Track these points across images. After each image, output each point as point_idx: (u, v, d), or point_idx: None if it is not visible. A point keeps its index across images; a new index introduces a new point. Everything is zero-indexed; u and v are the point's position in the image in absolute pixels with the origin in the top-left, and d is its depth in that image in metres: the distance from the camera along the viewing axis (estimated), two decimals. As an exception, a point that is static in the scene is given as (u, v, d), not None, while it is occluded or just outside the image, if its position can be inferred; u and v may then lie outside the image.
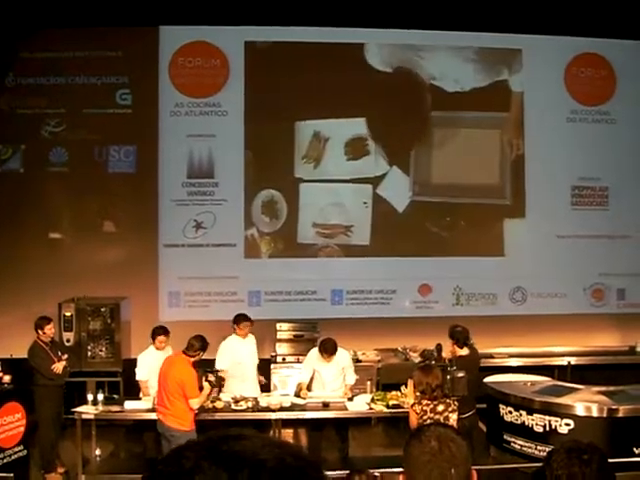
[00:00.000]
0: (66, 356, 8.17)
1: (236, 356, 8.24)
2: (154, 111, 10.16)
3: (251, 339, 8.43)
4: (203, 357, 7.57)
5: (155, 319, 9.69)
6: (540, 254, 10.52)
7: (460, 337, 7.70)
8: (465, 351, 7.63)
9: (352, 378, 8.23)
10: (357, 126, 10.42)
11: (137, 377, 8.22)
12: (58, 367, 7.95)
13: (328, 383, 8.17)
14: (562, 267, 10.64)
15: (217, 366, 8.02)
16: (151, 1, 9.85)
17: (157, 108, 10.16)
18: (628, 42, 10.75)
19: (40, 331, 7.97)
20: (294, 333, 9.64)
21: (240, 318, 8.36)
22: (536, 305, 10.52)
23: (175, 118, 10.13)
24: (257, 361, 8.53)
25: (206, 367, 7.83)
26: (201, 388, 7.23)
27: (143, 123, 10.16)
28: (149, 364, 8.06)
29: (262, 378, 8.65)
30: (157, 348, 8.06)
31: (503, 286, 10.57)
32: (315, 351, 8.23)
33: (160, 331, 8.13)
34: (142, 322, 9.38)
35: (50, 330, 8.11)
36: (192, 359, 7.19)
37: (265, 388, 8.75)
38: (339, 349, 8.09)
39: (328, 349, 7.96)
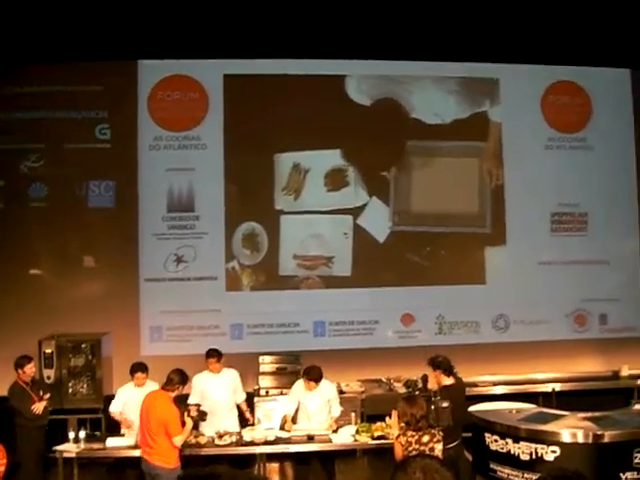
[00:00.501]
0: (47, 396, 8.05)
1: (205, 392, 8.10)
2: (133, 145, 10.16)
3: (227, 375, 8.28)
4: (185, 391, 7.53)
5: (137, 354, 9.62)
6: (522, 281, 10.59)
7: (446, 366, 7.66)
8: (451, 380, 7.59)
9: (337, 410, 8.14)
10: (336, 157, 10.47)
11: (110, 408, 8.09)
12: (39, 407, 7.84)
13: (314, 415, 8.07)
14: (544, 293, 10.61)
15: (189, 401, 7.86)
16: (130, 35, 9.84)
17: (136, 142, 10.17)
18: (603, 69, 10.93)
19: (20, 370, 7.89)
20: (277, 366, 9.56)
21: (207, 353, 8.25)
22: (519, 332, 10.55)
23: (154, 152, 10.13)
24: (241, 396, 8.34)
25: (187, 401, 7.75)
26: (183, 423, 7.08)
27: (122, 157, 10.14)
28: (125, 399, 7.96)
29: (249, 416, 8.41)
30: (136, 385, 7.93)
31: (486, 314, 10.59)
32: (300, 383, 8.16)
33: (138, 368, 8.03)
34: (123, 357, 9.23)
35: (31, 369, 8.02)
36: (172, 394, 7.06)
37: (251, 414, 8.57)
38: (325, 381, 8.04)
39: (313, 375, 7.91)
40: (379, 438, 7.63)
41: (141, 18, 9.74)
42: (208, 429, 7.84)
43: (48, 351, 9.12)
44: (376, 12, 9.81)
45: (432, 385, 8.04)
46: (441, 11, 9.76)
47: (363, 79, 10.47)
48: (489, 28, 10.11)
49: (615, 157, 10.86)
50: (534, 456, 7.65)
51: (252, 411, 8.78)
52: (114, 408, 8.06)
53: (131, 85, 10.15)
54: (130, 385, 8.06)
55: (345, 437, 7.81)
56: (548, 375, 10.21)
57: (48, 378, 9.07)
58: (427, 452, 5.79)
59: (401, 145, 10.45)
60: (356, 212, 10.39)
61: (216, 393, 8.16)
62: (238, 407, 8.45)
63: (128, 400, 7.85)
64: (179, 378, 7.15)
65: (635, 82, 11.01)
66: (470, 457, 8.31)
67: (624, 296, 10.79)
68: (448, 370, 7.76)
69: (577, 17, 10.23)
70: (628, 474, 7.31)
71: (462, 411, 7.71)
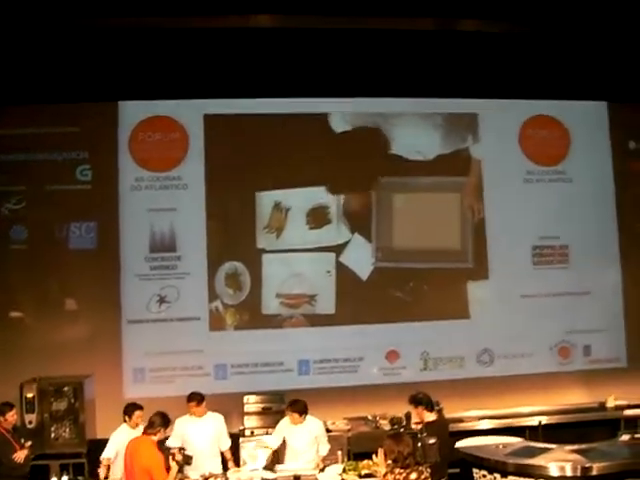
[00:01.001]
0: (29, 444, 7.91)
1: (187, 436, 7.97)
2: (114, 186, 10.09)
3: (212, 419, 8.16)
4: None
5: (120, 397, 9.47)
6: (505, 315, 10.58)
7: (427, 401, 7.64)
8: (433, 416, 7.56)
9: (325, 448, 8.12)
10: (318, 195, 10.48)
11: (103, 455, 7.81)
12: (20, 456, 7.72)
13: (301, 454, 8.00)
14: (527, 327, 10.53)
15: (168, 443, 7.71)
16: (110, 77, 9.82)
17: (117, 183, 10.09)
18: (580, 103, 10.99)
19: (2, 418, 7.77)
20: (262, 406, 9.39)
21: (188, 397, 8.13)
22: (504, 366, 10.47)
23: (135, 193, 10.08)
24: (226, 443, 8.20)
25: (167, 443, 7.64)
26: (168, 468, 6.96)
27: (103, 198, 10.06)
28: (118, 446, 7.67)
29: (232, 465, 8.20)
30: (132, 426, 7.77)
31: (470, 348, 10.51)
32: (285, 420, 8.12)
33: (134, 407, 7.86)
34: (106, 400, 9.17)
35: (12, 417, 7.90)
36: (155, 437, 7.01)
37: (235, 463, 8.31)
38: (311, 417, 8.05)
39: (297, 407, 7.93)
40: (366, 476, 7.50)
41: (121, 60, 9.74)
42: (193, 472, 7.68)
43: (30, 395, 8.92)
44: (357, 51, 9.92)
45: (414, 421, 8.06)
46: (419, 47, 9.94)
47: (347, 116, 10.43)
48: (467, 64, 10.31)
49: (594, 188, 10.91)
50: (523, 491, 7.63)
51: (237, 453, 8.60)
52: (107, 454, 7.80)
53: (111, 126, 10.10)
54: (124, 428, 7.90)
55: (332, 476, 7.68)
56: (534, 408, 10.12)
57: (30, 423, 8.87)
58: (415, 489, 5.75)
59: (383, 181, 10.37)
60: (339, 249, 10.39)
61: (199, 439, 8.02)
62: (222, 453, 8.33)
63: (122, 448, 7.46)
64: (161, 421, 7.09)
65: (612, 114, 11.08)
66: (458, 494, 8.27)
67: (608, 327, 10.77)
68: (430, 406, 7.63)
69: (554, 51, 10.34)
70: (617, 506, 7.29)
71: (447, 447, 7.66)
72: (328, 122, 10.54)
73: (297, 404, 7.98)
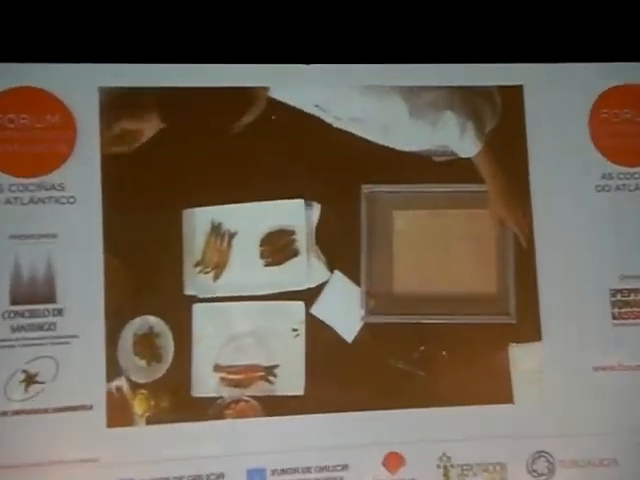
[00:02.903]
0: None
1: None
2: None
3: None
4: None
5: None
6: (569, 398, 6.85)
7: None
8: None
9: None
10: (280, 212, 6.88)
11: None
12: None
13: None
14: (606, 417, 6.84)
15: None
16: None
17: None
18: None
19: None
20: None
21: None
22: (571, 479, 6.86)
23: (-15, 210, 6.50)
24: None
25: None
26: None
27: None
28: None
29: None
30: None
31: (515, 451, 6.79)
32: None
33: None
34: None
35: None
36: None
37: None
38: None
39: None
40: None
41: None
42: None
43: None
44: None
45: None
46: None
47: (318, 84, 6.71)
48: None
49: None
50: None
51: None
52: None
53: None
54: None
55: None
56: None
57: None
58: None
59: (375, 190, 6.65)
60: (310, 296, 6.63)
61: None
62: None
63: None
64: None
65: None
66: None
67: None
68: None
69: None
70: None
71: None
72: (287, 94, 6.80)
73: None
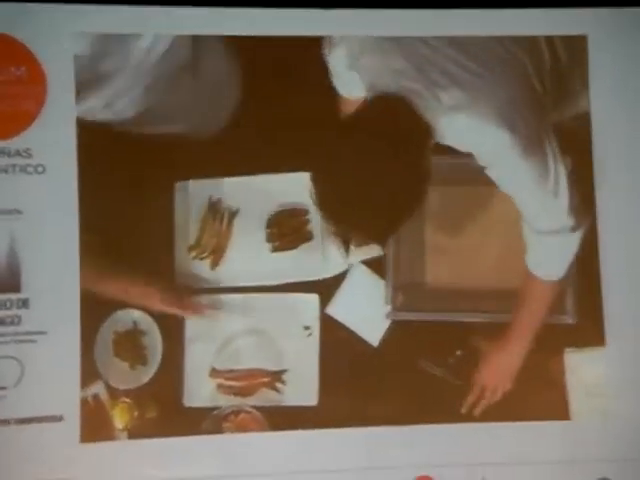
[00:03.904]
0: None
1: None
2: None
3: None
4: None
5: None
6: (638, 414, 6.04)
7: None
8: None
9: None
10: (290, 188, 5.98)
11: None
12: None
13: None
14: None
15: None
16: None
17: None
18: None
19: None
20: None
21: None
22: (637, 513, 6.08)
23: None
24: None
25: None
26: None
27: None
28: None
29: None
30: None
31: (574, 474, 5.96)
32: None
33: None
34: None
35: None
36: None
37: None
38: None
39: None
40: None
41: None
42: None
43: None
44: None
45: None
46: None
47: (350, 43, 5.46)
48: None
49: None
50: None
51: None
52: None
53: None
54: None
55: None
56: None
57: None
58: None
59: (411, 168, 5.62)
60: (326, 290, 5.80)
61: None
62: None
63: None
64: None
65: None
66: None
67: None
68: None
69: None
70: None
71: None
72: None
73: None
